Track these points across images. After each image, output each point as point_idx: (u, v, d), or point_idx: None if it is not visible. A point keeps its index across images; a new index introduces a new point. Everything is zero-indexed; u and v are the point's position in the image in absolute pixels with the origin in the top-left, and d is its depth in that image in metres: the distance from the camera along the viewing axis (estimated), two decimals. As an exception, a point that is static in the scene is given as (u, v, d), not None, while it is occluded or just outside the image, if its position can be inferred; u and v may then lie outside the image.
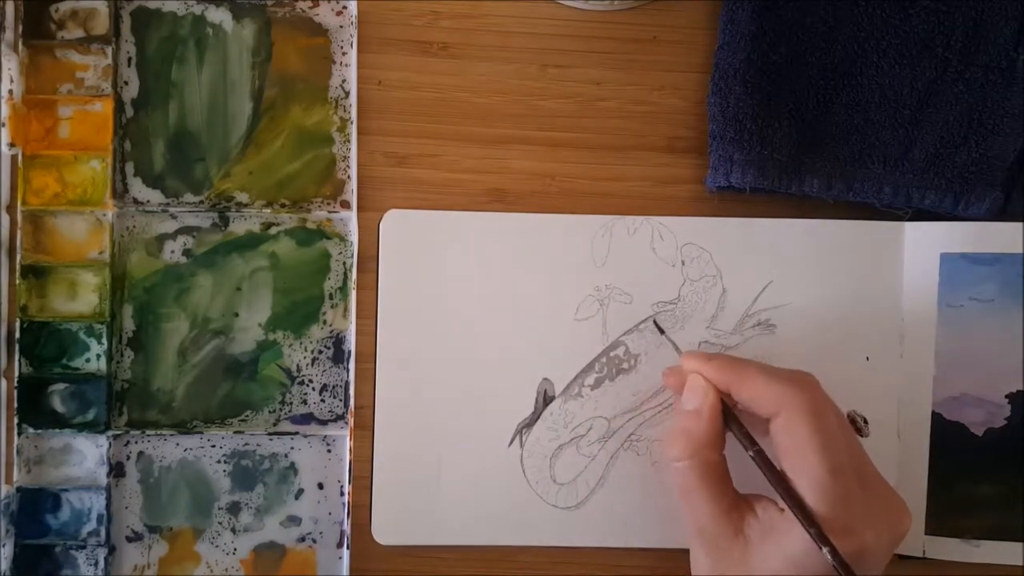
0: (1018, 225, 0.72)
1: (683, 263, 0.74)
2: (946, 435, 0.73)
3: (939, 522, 0.73)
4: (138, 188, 0.74)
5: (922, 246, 0.73)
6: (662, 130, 0.75)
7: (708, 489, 0.65)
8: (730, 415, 0.66)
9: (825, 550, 0.59)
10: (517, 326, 0.74)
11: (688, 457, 0.65)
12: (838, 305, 0.74)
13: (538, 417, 0.74)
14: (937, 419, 0.73)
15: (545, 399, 0.74)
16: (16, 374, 0.72)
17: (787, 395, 0.63)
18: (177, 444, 0.74)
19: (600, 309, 0.74)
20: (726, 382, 0.66)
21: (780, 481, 0.62)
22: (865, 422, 0.68)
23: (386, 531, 0.73)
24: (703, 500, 0.65)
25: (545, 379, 0.74)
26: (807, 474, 0.61)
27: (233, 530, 0.74)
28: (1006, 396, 0.72)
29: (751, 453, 0.64)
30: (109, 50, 0.73)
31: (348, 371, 0.74)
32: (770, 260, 0.74)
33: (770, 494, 0.64)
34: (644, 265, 0.74)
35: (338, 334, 0.75)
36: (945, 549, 0.73)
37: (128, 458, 0.74)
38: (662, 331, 0.73)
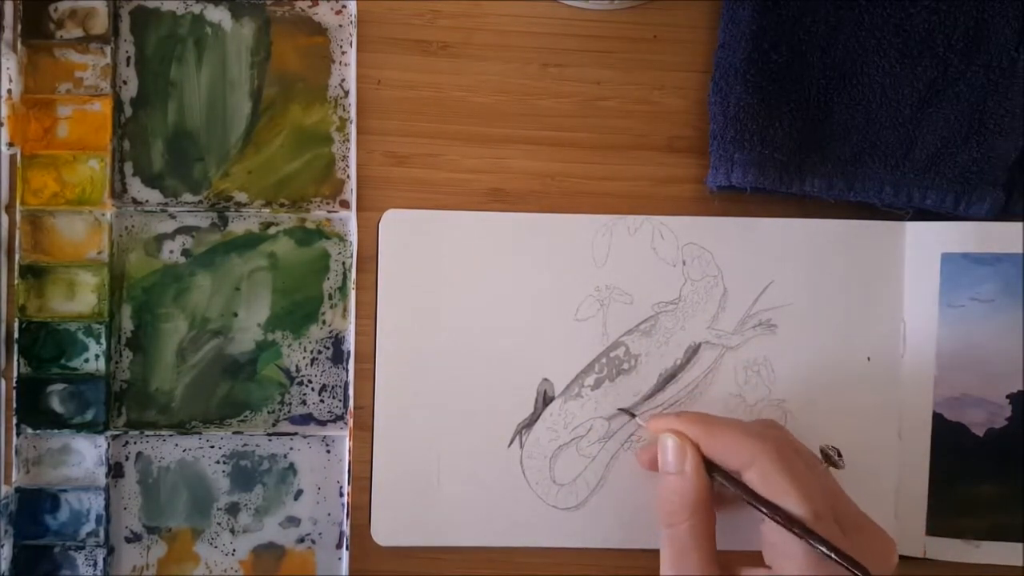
0: (1019, 225, 0.72)
1: (684, 263, 0.74)
2: (947, 435, 0.73)
3: (939, 522, 0.73)
4: (137, 188, 0.73)
5: (923, 246, 0.73)
6: (662, 130, 0.75)
7: (704, 552, 0.65)
8: (710, 464, 0.66)
9: (836, 556, 0.59)
10: (517, 326, 0.74)
11: (687, 519, 0.65)
12: (839, 305, 0.74)
13: (538, 418, 0.73)
14: (938, 419, 0.73)
15: (545, 399, 0.74)
16: (15, 374, 0.72)
17: (758, 445, 0.63)
18: (176, 444, 0.74)
19: (600, 309, 0.74)
20: (695, 436, 0.66)
21: (777, 509, 0.62)
22: (839, 455, 0.68)
23: (385, 532, 0.73)
24: (698, 563, 0.64)
25: (545, 379, 0.74)
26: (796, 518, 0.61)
27: (232, 531, 0.74)
28: (1007, 396, 0.72)
29: (739, 491, 0.64)
30: (108, 49, 0.73)
31: (347, 371, 0.74)
32: (771, 260, 0.74)
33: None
34: (645, 265, 0.74)
35: (337, 334, 0.74)
36: (945, 549, 0.73)
37: (127, 458, 0.74)
38: (632, 414, 0.73)
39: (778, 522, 0.61)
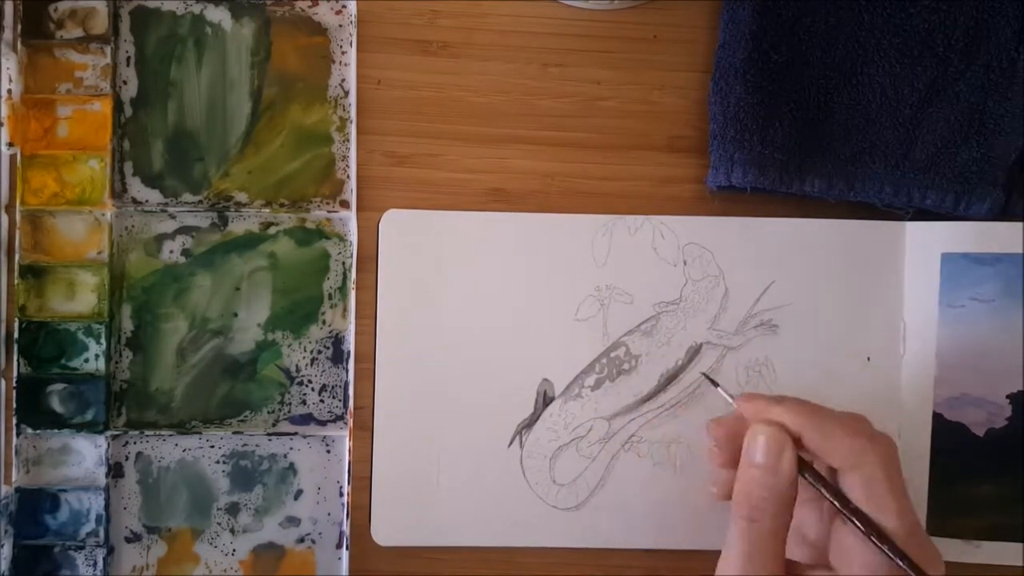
0: (1019, 225, 0.72)
1: (685, 263, 0.74)
2: (947, 435, 0.73)
3: (940, 522, 0.73)
4: (137, 188, 0.73)
5: (923, 246, 0.73)
6: (663, 130, 0.75)
7: (779, 551, 0.62)
8: (803, 464, 0.63)
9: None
10: (517, 326, 0.74)
11: (772, 518, 0.62)
12: (839, 305, 0.74)
13: (538, 418, 0.73)
14: (938, 419, 0.73)
15: (545, 400, 0.74)
16: (15, 374, 0.72)
17: (867, 450, 0.61)
18: (176, 444, 0.74)
19: (601, 309, 0.74)
20: (798, 426, 0.62)
21: (870, 520, 0.60)
22: None
23: (385, 532, 0.73)
24: (772, 562, 0.62)
25: (545, 379, 0.74)
26: (888, 532, 0.60)
27: (232, 531, 0.74)
28: (1007, 396, 0.72)
29: (829, 497, 0.62)
30: (108, 49, 0.73)
31: (347, 371, 0.74)
32: (772, 260, 0.74)
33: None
34: (645, 265, 0.74)
35: (337, 334, 0.74)
36: (945, 549, 0.72)
37: (127, 458, 0.73)
38: (715, 383, 0.71)
39: (865, 533, 0.60)
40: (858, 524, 0.60)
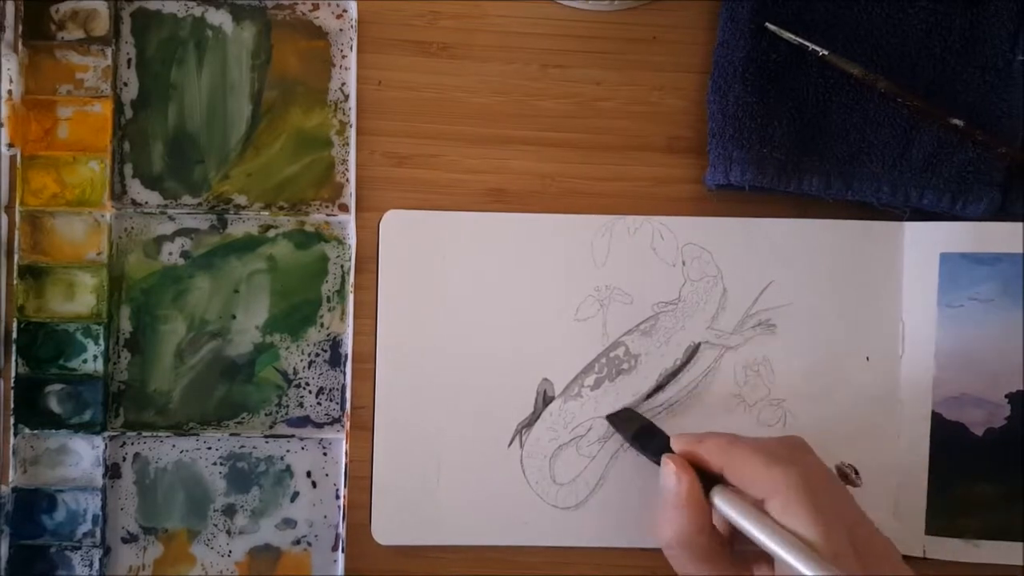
0: (1018, 225, 0.72)
1: (684, 263, 0.74)
2: (946, 435, 0.73)
3: (939, 522, 0.73)
4: (137, 189, 0.73)
5: (922, 246, 0.73)
6: (662, 130, 0.75)
7: (708, 570, 0.65)
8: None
9: None
10: (517, 326, 0.74)
11: (678, 547, 0.65)
12: (838, 305, 0.74)
13: (538, 417, 0.73)
14: (937, 419, 0.73)
15: (545, 399, 0.74)
16: (13, 374, 0.72)
17: (782, 477, 0.62)
18: (173, 446, 0.74)
19: (600, 309, 0.74)
20: (719, 465, 0.65)
21: (795, 546, 0.60)
22: (856, 473, 0.68)
23: (385, 531, 0.73)
24: None
25: (545, 379, 0.74)
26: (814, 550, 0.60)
27: (228, 532, 0.74)
28: (1006, 396, 0.72)
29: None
30: (109, 51, 0.73)
31: (344, 374, 0.74)
32: (771, 260, 0.74)
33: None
34: (644, 265, 0.74)
35: (335, 337, 0.74)
36: (945, 549, 0.73)
37: (124, 459, 0.73)
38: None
39: (786, 563, 0.60)
40: (780, 552, 0.60)
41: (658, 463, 0.68)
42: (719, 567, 0.65)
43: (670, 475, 0.65)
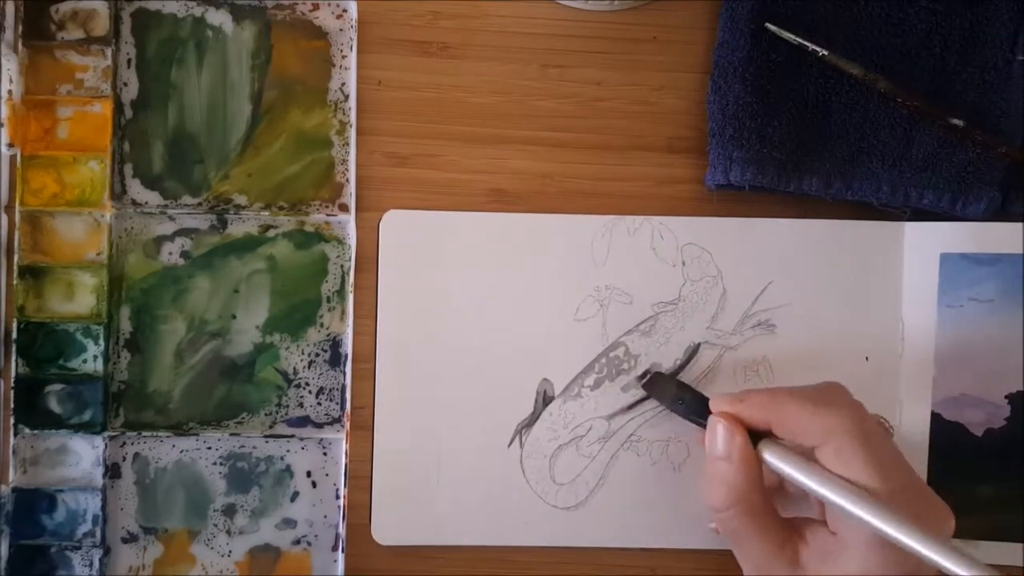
0: (1018, 225, 0.72)
1: (683, 263, 0.74)
2: (945, 435, 0.73)
3: (939, 522, 0.73)
4: (136, 189, 0.73)
5: (922, 246, 0.73)
6: (662, 130, 0.75)
7: (758, 531, 0.64)
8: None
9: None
10: (517, 326, 0.74)
11: (732, 505, 0.64)
12: (838, 305, 0.74)
13: (537, 417, 0.73)
14: (936, 419, 0.73)
15: (544, 399, 0.74)
16: (13, 374, 0.72)
17: (833, 424, 0.62)
18: (173, 446, 0.73)
19: (600, 309, 0.74)
20: (764, 420, 0.65)
21: (848, 489, 0.60)
22: (888, 424, 0.68)
23: (385, 531, 0.73)
24: (755, 542, 0.64)
25: (545, 379, 0.74)
26: (871, 494, 0.60)
27: (228, 532, 0.74)
28: (1005, 397, 0.72)
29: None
30: (109, 51, 0.73)
31: (344, 374, 0.74)
32: (770, 260, 0.74)
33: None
34: (644, 265, 0.74)
35: (335, 337, 0.74)
36: (945, 549, 0.73)
37: (124, 459, 0.73)
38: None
39: (843, 509, 0.60)
40: (832, 499, 0.61)
41: (701, 425, 0.68)
42: (771, 528, 0.64)
43: (722, 433, 0.65)
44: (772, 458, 0.64)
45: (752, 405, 0.65)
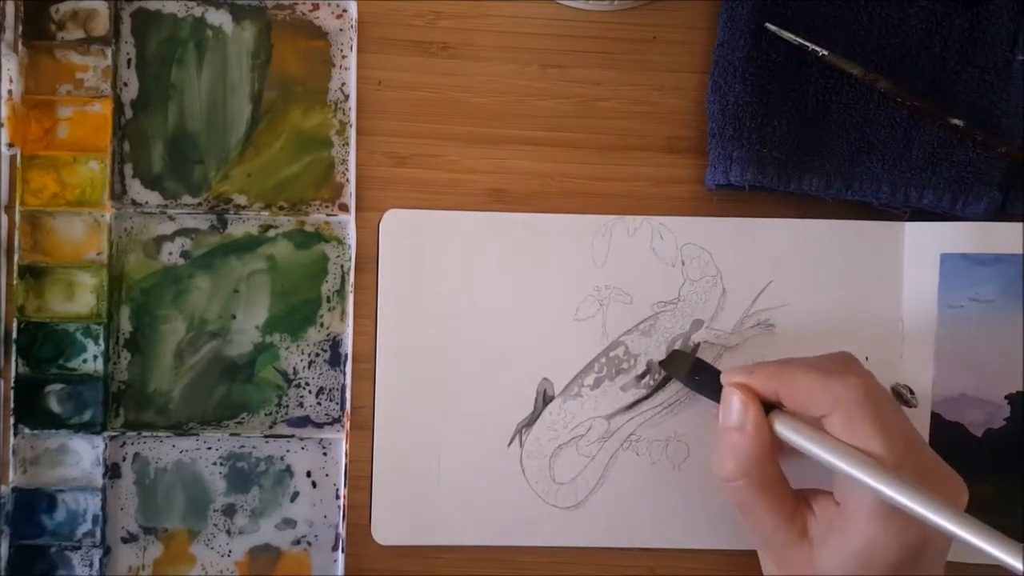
0: (1018, 226, 0.72)
1: (683, 263, 0.74)
2: (945, 436, 0.73)
3: (939, 522, 0.73)
4: (137, 189, 0.73)
5: (922, 246, 0.73)
6: (662, 130, 0.75)
7: (769, 502, 0.64)
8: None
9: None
10: (517, 326, 0.74)
11: (743, 476, 0.64)
12: (838, 305, 0.74)
13: (537, 417, 0.73)
14: (936, 420, 0.73)
15: (544, 399, 0.74)
16: (13, 374, 0.72)
17: (841, 393, 0.62)
18: (173, 446, 0.73)
19: (600, 309, 0.74)
20: (774, 391, 0.65)
21: (856, 457, 0.61)
22: (911, 392, 0.69)
23: (385, 531, 0.73)
24: (765, 513, 0.65)
25: (545, 379, 0.74)
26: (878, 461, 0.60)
27: (228, 532, 0.74)
28: (1005, 397, 0.72)
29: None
30: (109, 51, 0.73)
31: (344, 374, 0.74)
32: (770, 260, 0.74)
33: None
34: (644, 265, 0.74)
35: (335, 337, 0.74)
36: (945, 549, 0.73)
37: (124, 459, 0.73)
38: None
39: (851, 476, 0.60)
40: (842, 467, 0.61)
41: (715, 400, 0.68)
42: (782, 500, 0.65)
43: (736, 404, 0.65)
44: (783, 428, 0.64)
45: (762, 376, 0.66)
